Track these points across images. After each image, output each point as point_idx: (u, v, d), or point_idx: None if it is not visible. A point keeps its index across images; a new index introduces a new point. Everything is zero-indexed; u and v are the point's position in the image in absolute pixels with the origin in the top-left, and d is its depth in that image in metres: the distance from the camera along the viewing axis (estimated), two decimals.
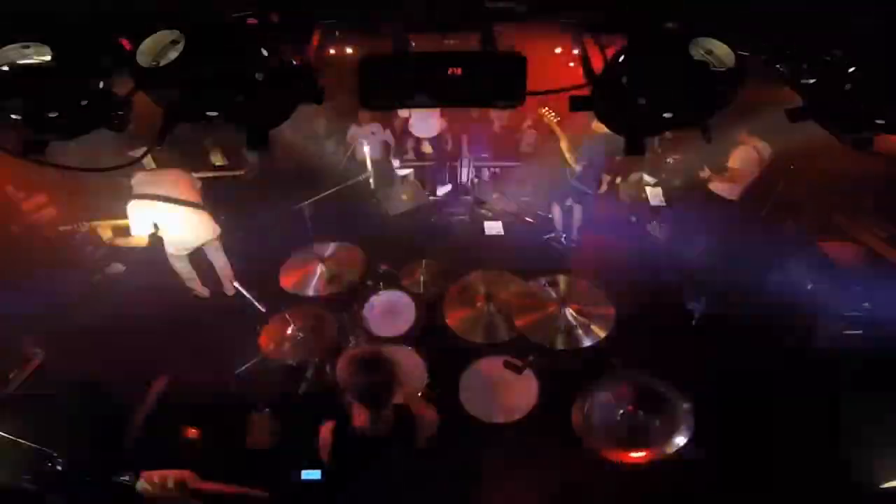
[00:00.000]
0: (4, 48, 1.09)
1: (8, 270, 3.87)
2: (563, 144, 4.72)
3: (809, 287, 3.59)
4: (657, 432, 2.48)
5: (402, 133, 6.85)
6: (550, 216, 5.59)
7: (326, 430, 2.00)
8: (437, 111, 6.40)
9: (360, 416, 1.92)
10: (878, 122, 1.21)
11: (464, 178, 6.59)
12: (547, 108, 4.83)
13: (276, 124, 1.38)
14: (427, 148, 6.77)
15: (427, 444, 2.03)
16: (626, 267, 4.74)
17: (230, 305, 3.83)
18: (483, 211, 6.01)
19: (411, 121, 6.54)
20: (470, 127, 6.83)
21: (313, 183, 6.07)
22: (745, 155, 4.37)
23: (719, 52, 1.14)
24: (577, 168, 4.75)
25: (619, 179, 6.05)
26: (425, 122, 6.52)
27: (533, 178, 6.48)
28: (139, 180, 3.88)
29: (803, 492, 2.74)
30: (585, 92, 1.36)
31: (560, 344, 2.87)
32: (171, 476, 2.06)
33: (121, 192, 3.98)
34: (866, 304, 3.36)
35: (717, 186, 4.61)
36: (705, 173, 4.62)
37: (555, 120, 4.70)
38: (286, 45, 1.40)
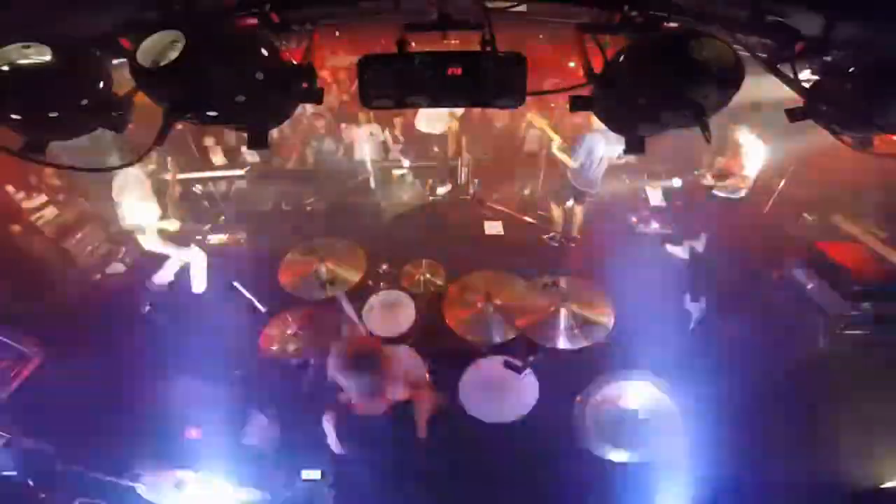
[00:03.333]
0: (4, 48, 1.09)
1: (8, 270, 3.87)
2: (556, 146, 4.72)
3: (809, 287, 3.59)
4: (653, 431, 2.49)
5: (405, 132, 6.84)
6: (550, 216, 5.59)
7: (330, 419, 2.02)
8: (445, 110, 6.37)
9: (359, 406, 1.97)
10: (878, 122, 1.21)
11: (463, 178, 6.59)
12: (534, 112, 4.83)
13: (276, 124, 1.38)
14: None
15: (428, 429, 2.04)
16: (627, 267, 4.74)
17: (230, 305, 3.83)
18: (483, 211, 6.01)
19: (418, 118, 6.52)
20: (470, 127, 6.83)
21: (313, 183, 6.09)
22: (754, 158, 4.37)
23: (719, 52, 1.14)
24: (575, 165, 4.75)
25: None
26: (432, 121, 6.48)
27: (533, 178, 6.49)
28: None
29: (803, 492, 2.74)
30: (585, 92, 1.36)
31: (560, 344, 2.87)
32: (171, 476, 2.06)
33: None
34: (866, 305, 3.36)
35: (724, 190, 4.60)
36: (707, 180, 4.62)
37: (545, 122, 4.70)
38: (286, 45, 1.40)
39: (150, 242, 4.18)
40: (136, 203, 3.94)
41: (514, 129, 6.94)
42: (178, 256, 4.42)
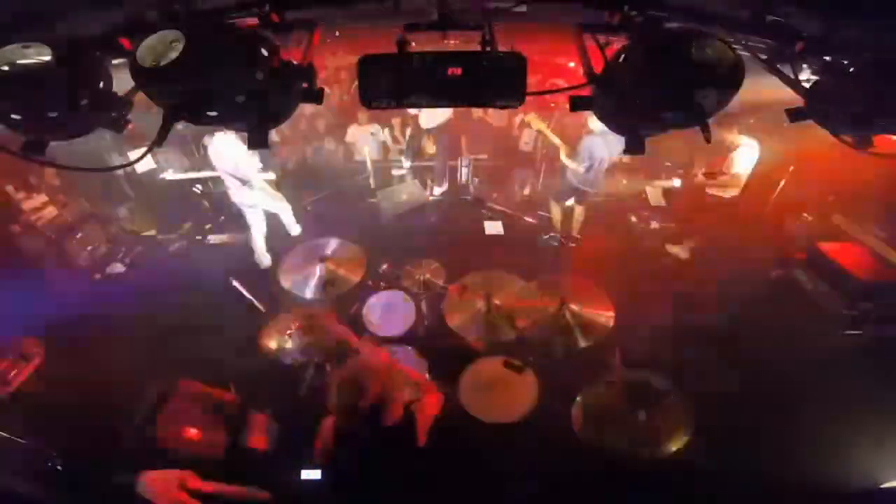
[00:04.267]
0: (4, 48, 1.09)
1: (8, 270, 3.87)
2: (562, 148, 4.72)
3: (809, 287, 3.59)
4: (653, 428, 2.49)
5: (405, 131, 6.83)
6: (550, 216, 5.59)
7: (328, 424, 2.01)
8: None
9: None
10: (878, 122, 1.21)
11: (463, 178, 6.59)
12: (534, 114, 4.83)
13: (276, 124, 1.38)
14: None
15: (428, 435, 2.03)
16: (627, 267, 4.74)
17: (230, 305, 3.83)
18: (483, 211, 6.00)
19: (419, 115, 6.50)
20: (470, 126, 6.82)
21: (313, 183, 6.10)
22: (745, 158, 4.40)
23: (719, 52, 1.14)
24: (581, 169, 4.75)
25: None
26: (433, 114, 6.46)
27: (533, 178, 6.49)
28: None
29: (803, 492, 2.74)
30: (585, 92, 1.37)
31: (560, 344, 2.87)
32: (171, 476, 2.05)
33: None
34: (866, 305, 3.36)
35: (717, 190, 4.64)
36: (699, 179, 4.66)
37: (543, 124, 4.70)
38: (286, 45, 1.40)
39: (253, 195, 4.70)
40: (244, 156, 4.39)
41: (512, 129, 6.94)
42: (271, 207, 4.97)
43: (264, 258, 4.99)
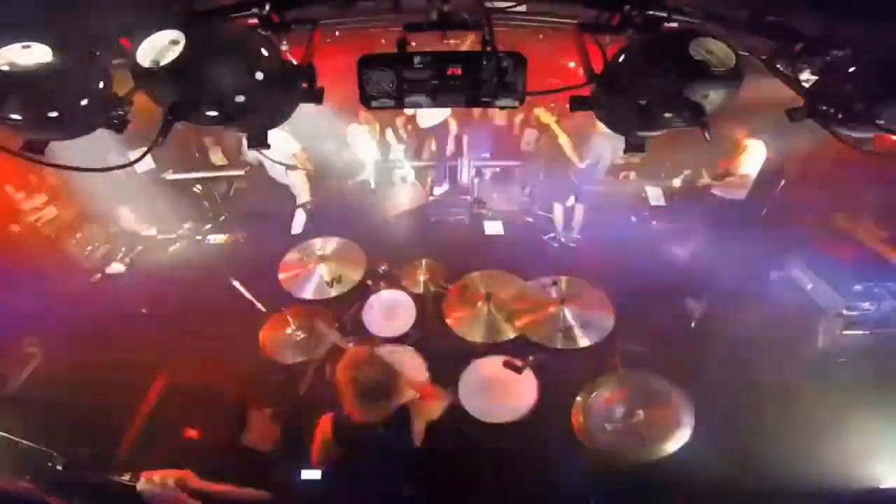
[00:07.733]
0: (4, 48, 1.09)
1: (8, 270, 3.86)
2: (566, 143, 4.71)
3: (809, 287, 3.59)
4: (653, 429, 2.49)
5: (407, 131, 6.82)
6: (551, 216, 5.58)
7: (326, 422, 2.02)
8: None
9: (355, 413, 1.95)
10: (878, 122, 1.21)
11: (464, 178, 6.58)
12: (543, 108, 4.83)
13: (276, 124, 1.38)
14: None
15: (425, 433, 2.03)
16: (627, 267, 4.74)
17: (230, 305, 3.83)
18: (483, 211, 6.00)
19: (418, 116, 6.49)
20: (470, 126, 6.81)
21: (313, 183, 6.10)
22: (754, 159, 4.39)
23: (719, 52, 1.14)
24: (582, 166, 4.75)
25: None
26: (431, 113, 6.46)
27: (533, 178, 6.47)
28: None
29: (803, 492, 2.74)
30: (585, 92, 1.36)
31: (560, 344, 2.87)
32: (171, 476, 2.06)
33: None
34: (866, 304, 3.36)
35: (723, 191, 4.62)
36: (705, 180, 4.65)
37: (553, 119, 4.70)
38: (286, 45, 1.40)
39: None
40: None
41: (513, 129, 6.92)
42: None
43: (297, 226, 5.59)
